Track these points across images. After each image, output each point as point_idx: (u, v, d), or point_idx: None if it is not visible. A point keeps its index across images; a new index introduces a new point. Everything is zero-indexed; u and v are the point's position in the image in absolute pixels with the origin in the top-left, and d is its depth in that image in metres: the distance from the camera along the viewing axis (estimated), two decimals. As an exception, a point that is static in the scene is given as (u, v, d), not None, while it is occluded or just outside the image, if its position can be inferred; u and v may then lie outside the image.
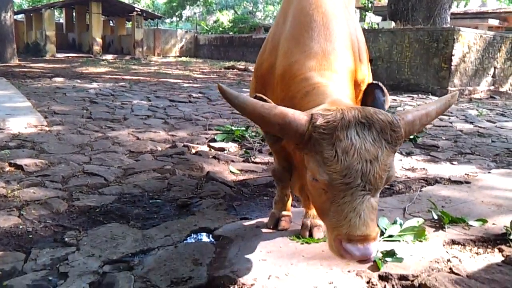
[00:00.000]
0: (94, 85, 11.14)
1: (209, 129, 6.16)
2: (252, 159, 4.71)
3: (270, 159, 4.62)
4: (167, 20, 47.59)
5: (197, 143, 5.28)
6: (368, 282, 2.27)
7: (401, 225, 2.83)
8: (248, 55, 27.12)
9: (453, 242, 2.78)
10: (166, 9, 44.83)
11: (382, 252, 2.51)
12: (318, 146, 1.71)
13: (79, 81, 12.00)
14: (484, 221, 3.04)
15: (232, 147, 5.17)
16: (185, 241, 2.75)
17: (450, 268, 2.42)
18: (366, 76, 2.61)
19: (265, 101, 1.81)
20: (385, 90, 2.04)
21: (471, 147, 5.65)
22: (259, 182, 3.98)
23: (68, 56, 25.42)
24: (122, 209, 3.23)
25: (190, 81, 13.97)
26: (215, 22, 41.34)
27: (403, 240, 2.73)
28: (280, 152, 2.72)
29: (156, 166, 4.33)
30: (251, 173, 4.27)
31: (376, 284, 2.26)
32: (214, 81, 14.33)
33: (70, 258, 2.45)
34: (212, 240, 2.80)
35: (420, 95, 11.41)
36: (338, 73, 2.26)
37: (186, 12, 49.17)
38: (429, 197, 3.54)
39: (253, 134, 5.56)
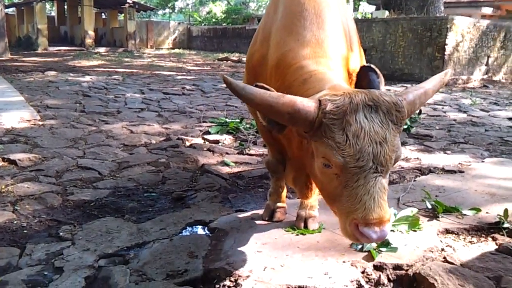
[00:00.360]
0: (87, 78, 11.09)
1: (203, 122, 6.14)
2: (247, 151, 4.71)
3: (265, 151, 4.62)
4: (160, 12, 47.30)
5: (192, 136, 5.27)
6: (363, 272, 2.29)
7: (395, 215, 2.84)
8: (241, 46, 27.00)
9: (447, 231, 2.80)
10: (158, 0, 44.54)
11: (376, 242, 2.52)
12: (329, 131, 1.72)
13: (71, 74, 11.93)
14: (478, 210, 3.06)
15: (226, 139, 5.17)
16: (180, 234, 2.75)
17: (444, 257, 2.44)
18: (358, 66, 2.60)
19: (267, 89, 1.80)
20: (379, 72, 2.07)
21: (464, 136, 5.67)
22: (254, 174, 3.99)
23: (60, 50, 25.23)
24: (116, 203, 3.23)
25: (184, 73, 13.92)
26: (208, 13, 41.10)
27: (397, 230, 2.74)
28: (274, 144, 2.72)
29: (150, 159, 4.32)
30: (245, 165, 4.27)
31: (371, 274, 2.28)
32: (208, 73, 14.29)
33: (65, 252, 2.45)
34: (208, 232, 2.81)
35: (414, 84, 11.36)
36: (333, 60, 2.27)
37: (179, 4, 48.89)
38: (423, 187, 3.56)
39: (248, 126, 5.55)
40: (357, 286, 2.19)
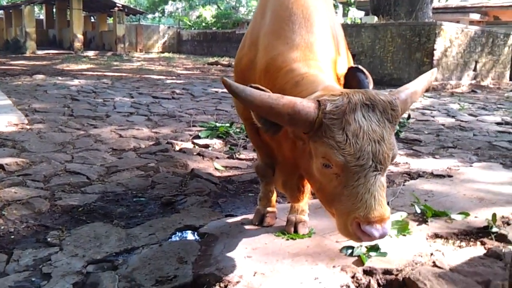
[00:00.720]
0: (76, 82, 11.02)
1: (193, 126, 6.13)
2: (237, 156, 4.70)
3: (255, 155, 4.61)
4: (149, 16, 47.19)
5: (181, 140, 5.26)
6: (353, 277, 2.29)
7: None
8: (231, 50, 26.98)
9: (436, 235, 2.81)
10: (148, 4, 44.46)
11: (366, 247, 2.52)
12: (329, 131, 1.73)
13: (60, 78, 11.84)
14: (467, 214, 3.08)
15: (216, 143, 5.16)
16: (169, 239, 2.73)
17: (434, 262, 2.45)
18: (346, 70, 2.61)
19: (263, 90, 1.80)
20: (367, 72, 2.10)
21: (453, 141, 5.71)
22: (244, 178, 3.98)
23: (49, 53, 25.05)
24: (105, 208, 3.20)
25: (173, 77, 13.89)
26: (198, 17, 41.05)
27: (386, 236, 2.74)
28: (263, 148, 2.72)
29: (139, 163, 4.30)
30: (236, 170, 4.27)
31: (361, 279, 2.28)
32: (198, 77, 14.27)
33: (53, 258, 2.42)
34: (197, 237, 2.80)
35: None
36: (323, 62, 2.29)
37: (169, 8, 48.78)
38: (412, 191, 3.58)
39: (238, 130, 5.55)
40: (347, 291, 2.19)
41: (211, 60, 22.79)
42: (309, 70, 2.18)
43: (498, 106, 9.58)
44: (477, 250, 2.64)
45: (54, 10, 32.08)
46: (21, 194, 3.37)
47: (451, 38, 12.11)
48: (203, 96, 9.48)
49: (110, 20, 32.08)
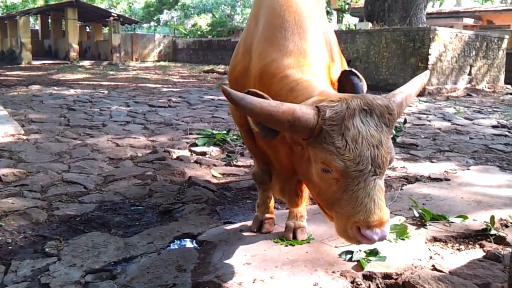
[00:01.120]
0: (72, 92, 11.01)
1: (190, 134, 6.13)
2: (234, 163, 4.70)
3: (252, 162, 4.61)
4: (145, 25, 47.29)
5: (178, 148, 5.25)
6: (352, 282, 2.28)
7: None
8: (227, 58, 27.05)
9: (435, 239, 2.81)
10: (143, 13, 44.60)
11: (365, 252, 2.52)
12: (328, 137, 1.73)
13: (56, 88, 11.84)
14: (465, 218, 3.08)
15: (213, 151, 5.16)
16: (168, 248, 2.72)
17: (433, 265, 2.45)
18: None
19: (261, 96, 1.81)
20: (360, 76, 2.11)
21: (449, 145, 5.73)
22: (241, 185, 3.97)
23: (45, 63, 25.06)
24: (103, 217, 3.19)
25: (169, 85, 13.90)
26: (193, 26, 41.19)
27: (386, 239, 2.74)
28: (259, 155, 2.72)
29: (136, 172, 4.29)
30: (233, 177, 4.26)
31: (361, 284, 2.27)
32: (194, 85, 14.29)
33: (51, 268, 2.41)
34: (196, 245, 2.79)
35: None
36: (316, 68, 2.30)
37: (164, 17, 48.93)
38: (410, 195, 3.58)
39: (235, 137, 5.55)
40: (347, 296, 2.18)
41: (206, 68, 22.84)
42: (303, 76, 2.19)
43: (494, 109, 9.62)
44: (476, 253, 2.64)
45: (49, 20, 32.13)
46: (19, 205, 3.36)
47: (445, 43, 12.18)
48: (200, 103, 9.49)
49: (105, 30, 32.16)
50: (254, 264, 2.45)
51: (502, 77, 14.85)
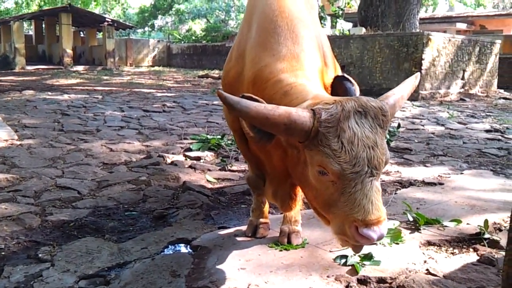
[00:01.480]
0: (66, 97, 10.97)
1: (184, 139, 6.12)
2: (229, 167, 4.69)
3: (247, 166, 4.61)
4: (139, 30, 47.29)
5: (173, 153, 5.24)
6: (347, 287, 2.28)
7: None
8: (221, 63, 27.06)
9: (429, 243, 2.82)
10: (138, 19, 44.60)
11: (359, 256, 2.52)
12: (324, 140, 1.74)
13: (50, 93, 11.80)
14: (459, 222, 3.09)
15: (208, 155, 5.15)
16: (162, 253, 2.71)
17: (427, 269, 2.45)
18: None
19: (256, 100, 1.81)
20: (353, 80, 2.13)
21: (443, 149, 5.75)
22: (236, 190, 3.97)
23: (38, 68, 24.97)
24: (96, 223, 3.17)
25: (164, 90, 13.89)
26: (187, 31, 41.25)
27: (380, 243, 2.75)
28: (252, 160, 2.72)
29: (130, 177, 4.27)
30: (228, 181, 4.26)
31: (355, 288, 2.27)
32: (188, 90, 14.28)
33: (44, 274, 2.39)
34: (190, 250, 2.78)
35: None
36: (310, 72, 2.31)
37: (158, 22, 48.97)
38: (404, 200, 3.59)
39: (229, 142, 5.55)
40: (341, 300, 2.18)
41: (201, 73, 22.85)
42: (296, 80, 2.20)
43: (487, 113, 9.68)
44: (470, 256, 2.65)
45: (43, 25, 32.07)
46: (12, 210, 3.34)
47: (438, 47, 12.25)
48: (194, 108, 9.49)
49: (99, 35, 32.14)
50: (249, 269, 2.45)
51: (495, 81, 14.95)
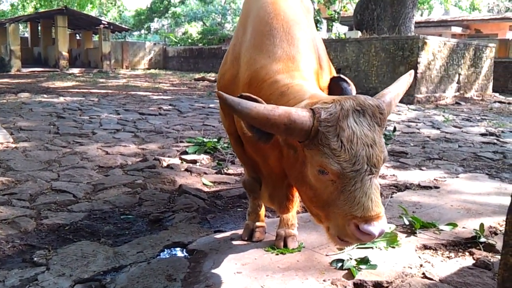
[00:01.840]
0: (61, 99, 10.95)
1: (181, 142, 6.11)
2: (225, 171, 4.69)
3: (243, 170, 4.61)
4: (135, 33, 47.28)
5: (169, 156, 5.23)
6: (343, 291, 2.28)
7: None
8: (217, 66, 26.62)
9: (425, 247, 2.82)
10: (134, 21, 44.58)
11: (356, 260, 2.52)
12: (324, 139, 1.75)
13: (45, 96, 11.76)
14: (454, 225, 3.10)
15: (204, 159, 5.15)
16: (158, 257, 2.70)
17: (423, 273, 2.45)
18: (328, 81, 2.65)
19: (255, 100, 1.81)
20: (349, 81, 2.15)
21: (438, 153, 5.77)
22: (232, 193, 3.97)
23: (34, 71, 24.90)
24: (92, 226, 3.16)
25: (160, 93, 13.88)
26: (184, 34, 41.26)
27: (376, 247, 2.75)
28: (248, 163, 2.72)
29: (126, 180, 4.26)
30: (224, 185, 4.25)
31: (352, 292, 2.27)
32: (184, 93, 14.28)
33: (39, 278, 2.38)
34: (186, 254, 2.77)
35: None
36: (306, 72, 2.33)
37: (154, 25, 48.96)
38: (400, 203, 3.59)
39: (225, 145, 5.55)
40: (338, 305, 2.18)
41: (197, 76, 22.84)
42: (293, 80, 2.21)
43: (482, 117, 9.72)
44: (466, 260, 2.65)
45: (39, 28, 31.99)
46: (7, 214, 3.32)
47: (434, 51, 12.30)
48: (190, 111, 9.48)
49: (95, 38, 32.06)
50: (245, 273, 2.45)
51: (490, 85, 15.02)
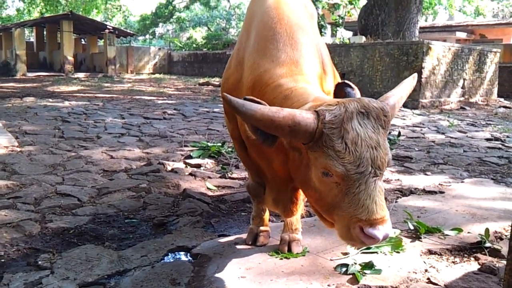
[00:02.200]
0: (66, 104, 10.99)
1: (185, 146, 6.12)
2: (229, 175, 4.69)
3: (247, 174, 4.60)
4: (140, 38, 47.42)
5: (173, 160, 5.24)
6: (348, 296, 2.27)
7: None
8: (222, 71, 26.57)
9: (430, 252, 2.81)
10: (139, 26, 44.73)
11: (360, 265, 2.51)
12: (329, 141, 1.75)
13: (50, 100, 11.81)
14: (459, 230, 3.08)
15: (208, 163, 5.15)
16: (162, 261, 2.70)
17: (428, 278, 2.44)
18: (332, 89, 2.64)
19: (258, 102, 1.81)
20: (353, 85, 2.15)
21: (443, 157, 5.75)
22: (236, 197, 3.96)
23: (39, 75, 25.00)
24: (96, 230, 3.16)
25: (164, 97, 13.91)
26: (188, 39, 41.36)
27: (381, 252, 2.74)
28: (252, 167, 2.72)
29: (131, 184, 4.27)
30: (228, 189, 4.25)
31: (356, 297, 2.26)
32: (189, 97, 14.30)
33: (44, 282, 2.38)
34: (190, 258, 2.77)
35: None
36: (309, 76, 2.33)
37: (159, 30, 49.11)
38: (404, 208, 3.58)
39: (230, 149, 5.55)
40: (342, 309, 2.17)
41: (202, 80, 22.88)
42: (296, 84, 2.22)
43: (487, 122, 9.69)
44: (471, 265, 2.64)
45: (45, 32, 32.17)
46: (12, 217, 3.33)
47: (438, 56, 12.28)
48: (195, 116, 9.49)
49: (100, 42, 32.22)
50: (249, 277, 2.44)
51: (495, 90, 14.97)
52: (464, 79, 13.40)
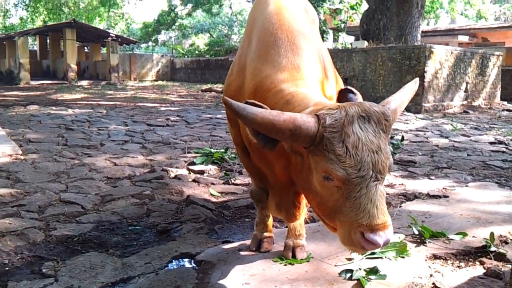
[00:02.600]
0: (70, 111, 11.02)
1: (188, 152, 6.12)
2: (232, 181, 4.69)
3: (250, 180, 4.60)
4: (143, 45, 47.62)
5: (176, 167, 5.24)
6: (352, 301, 2.26)
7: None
8: (225, 77, 26.32)
9: (435, 256, 2.80)
10: (141, 34, 44.93)
11: (365, 270, 2.50)
12: (329, 144, 1.75)
13: (54, 108, 11.85)
14: (464, 234, 3.07)
15: (211, 169, 5.15)
16: (166, 268, 2.70)
17: (433, 283, 2.43)
18: (334, 92, 2.65)
19: (260, 106, 1.82)
20: (355, 91, 2.14)
21: (447, 162, 5.73)
22: (240, 204, 3.96)
23: (43, 83, 25.09)
24: (100, 237, 3.17)
25: (168, 104, 13.94)
26: (191, 45, 41.50)
27: (385, 257, 2.73)
28: (255, 172, 2.73)
29: (134, 191, 4.27)
30: (231, 195, 4.25)
31: (361, 303, 2.25)
32: (192, 104, 14.33)
33: (48, 290, 2.38)
34: (194, 265, 2.76)
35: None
36: (310, 81, 2.34)
37: (162, 37, 49.31)
38: (409, 213, 3.57)
39: (233, 156, 5.55)
40: (347, 315, 2.16)
41: (204, 87, 22.93)
42: (298, 89, 2.22)
43: (491, 126, 9.66)
44: (476, 270, 2.62)
45: (48, 41, 32.34)
46: (16, 225, 3.33)
47: (441, 60, 12.28)
48: (198, 122, 9.51)
49: (103, 50, 32.35)
50: (253, 284, 2.43)
51: (498, 93, 14.95)
52: (467, 83, 13.39)
